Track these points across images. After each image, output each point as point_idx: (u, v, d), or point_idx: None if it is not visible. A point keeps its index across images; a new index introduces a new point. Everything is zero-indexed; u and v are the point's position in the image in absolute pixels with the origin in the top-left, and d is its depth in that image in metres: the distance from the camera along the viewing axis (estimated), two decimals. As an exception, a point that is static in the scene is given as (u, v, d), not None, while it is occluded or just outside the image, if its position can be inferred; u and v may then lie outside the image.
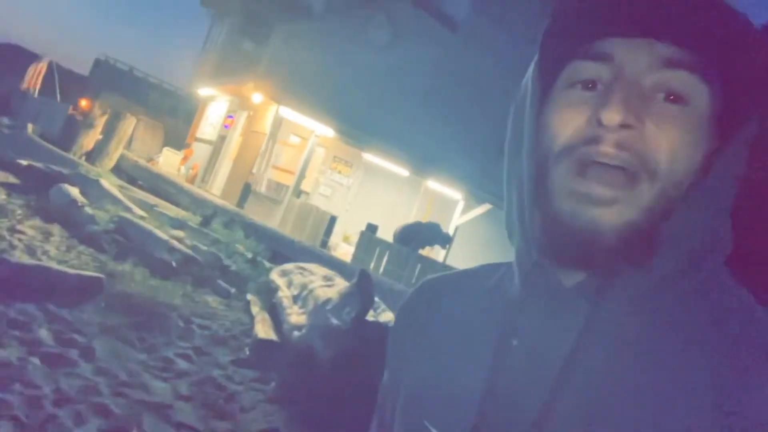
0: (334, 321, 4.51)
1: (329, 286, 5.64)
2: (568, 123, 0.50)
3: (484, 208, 15.30)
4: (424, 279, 0.68)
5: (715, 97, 0.48)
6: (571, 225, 0.48)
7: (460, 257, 14.48)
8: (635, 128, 0.47)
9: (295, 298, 5.80)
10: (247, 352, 4.85)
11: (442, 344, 0.59)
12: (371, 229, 10.42)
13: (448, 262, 13.74)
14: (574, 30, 0.51)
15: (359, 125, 13.15)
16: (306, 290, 5.72)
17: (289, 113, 12.80)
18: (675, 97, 0.48)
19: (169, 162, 16.17)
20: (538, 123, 0.53)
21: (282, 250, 8.36)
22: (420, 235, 10.04)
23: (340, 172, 15.28)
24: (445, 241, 10.88)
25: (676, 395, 0.44)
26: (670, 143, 0.47)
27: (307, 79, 12.30)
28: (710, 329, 0.46)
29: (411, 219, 13.54)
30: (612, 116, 0.47)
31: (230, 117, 16.33)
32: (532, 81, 0.54)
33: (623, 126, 0.47)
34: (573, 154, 0.49)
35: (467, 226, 14.75)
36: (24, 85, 20.61)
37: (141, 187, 11.00)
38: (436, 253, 13.83)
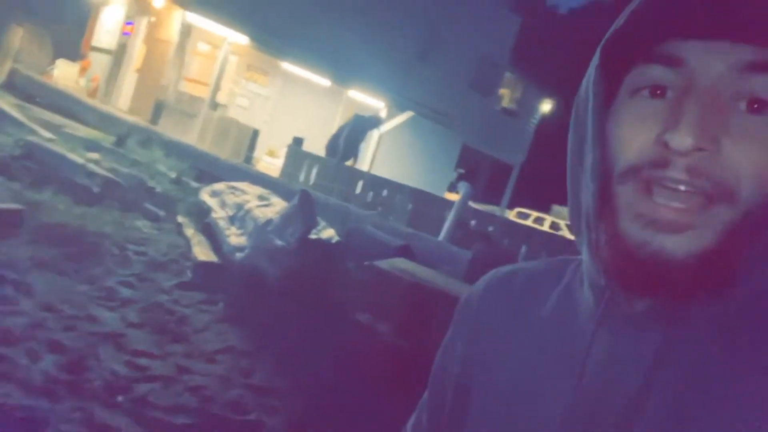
0: (279, 242, 4.58)
1: (266, 206, 5.63)
2: (633, 139, 0.46)
3: (407, 115, 15.38)
4: (495, 270, 0.65)
5: None
6: (638, 251, 0.45)
7: (387, 164, 14.68)
8: (710, 150, 0.43)
9: (231, 219, 5.77)
10: (190, 275, 4.85)
11: (519, 355, 0.56)
12: (297, 142, 10.28)
13: (375, 168, 13.90)
14: (641, 30, 0.47)
15: (275, 32, 12.52)
16: (242, 211, 5.69)
17: (197, 19, 11.93)
18: (759, 105, 0.43)
19: (65, 75, 14.78)
20: (602, 134, 0.49)
21: (207, 168, 8.14)
22: (350, 132, 9.94)
23: (256, 81, 14.66)
24: (376, 123, 10.82)
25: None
26: (752, 163, 0.43)
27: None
28: None
29: (332, 129, 13.43)
30: (681, 140, 0.42)
31: (129, 23, 14.97)
32: (593, 87, 0.49)
33: (696, 149, 0.43)
34: (638, 176, 0.45)
35: (391, 135, 14.84)
36: None
37: (40, 105, 10.10)
38: (362, 162, 13.91)
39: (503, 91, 20.80)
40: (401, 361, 3.67)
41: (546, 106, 21.78)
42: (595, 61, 0.50)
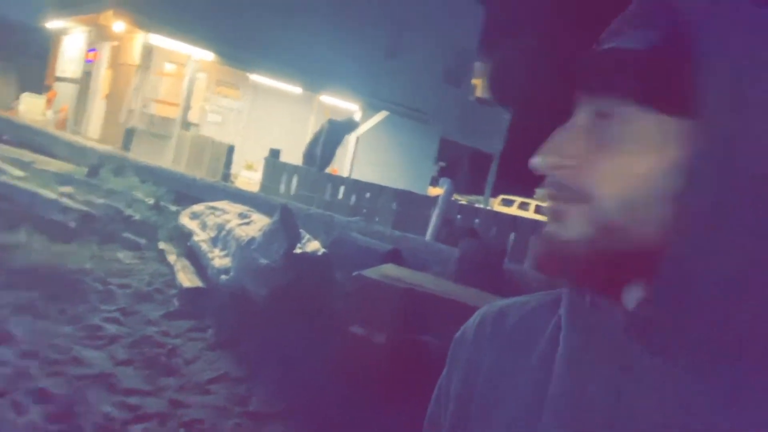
0: (263, 260, 4.49)
1: (248, 224, 5.54)
2: None
3: (382, 115, 15.32)
4: (488, 305, 0.65)
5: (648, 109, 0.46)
6: (540, 239, 0.52)
7: (367, 167, 14.62)
8: (572, 165, 0.48)
9: (213, 241, 5.66)
10: (176, 304, 4.75)
11: (513, 392, 0.56)
12: (274, 154, 10.17)
13: (355, 172, 13.83)
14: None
15: (241, 45, 12.40)
16: (224, 231, 5.59)
17: (160, 40, 11.76)
18: (601, 114, 0.48)
19: (31, 108, 14.52)
20: None
21: (185, 190, 8.01)
22: (326, 139, 9.84)
23: (227, 96, 14.50)
24: (352, 127, 10.77)
25: None
26: (602, 168, 0.47)
27: (176, 0, 11.26)
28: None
29: (308, 137, 13.31)
30: (534, 163, 0.50)
31: (92, 50, 14.75)
32: None
33: (552, 168, 0.49)
34: None
35: (368, 136, 14.77)
36: None
37: (8, 143, 9.88)
38: (341, 167, 13.84)
39: (476, 81, 20.84)
40: (400, 370, 3.60)
41: (519, 92, 21.82)
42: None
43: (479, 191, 22.71)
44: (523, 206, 20.75)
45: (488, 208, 17.18)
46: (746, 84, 0.42)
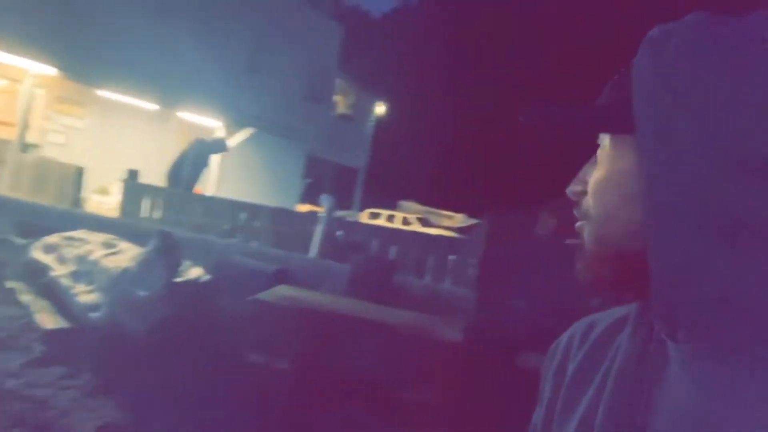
0: (141, 292, 4.12)
1: (115, 253, 5.06)
2: None
3: (247, 132, 14.92)
4: (583, 319, 0.69)
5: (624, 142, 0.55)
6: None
7: (233, 185, 14.12)
8: (579, 192, 0.59)
9: (75, 275, 5.09)
10: (39, 349, 4.18)
11: (588, 384, 0.61)
12: (133, 175, 9.43)
13: (223, 191, 13.28)
14: None
15: (87, 58, 11.37)
16: (87, 263, 5.05)
17: (-11, 52, 10.41)
18: (600, 146, 0.59)
19: None
20: None
21: (32, 220, 7.13)
22: (195, 159, 9.32)
23: (70, 114, 13.18)
24: (220, 147, 10.31)
25: None
26: (590, 190, 0.57)
27: (9, 6, 10.05)
28: None
29: (167, 156, 12.55)
30: (567, 192, 0.61)
31: None
32: None
33: (575, 194, 0.60)
34: None
35: (233, 154, 14.25)
36: None
37: None
38: (205, 186, 13.21)
39: (337, 98, 21.11)
40: (307, 394, 3.49)
41: (380, 108, 22.51)
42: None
43: (346, 206, 22.93)
44: (390, 218, 21.33)
45: (361, 221, 17.42)
46: (669, 106, 0.50)
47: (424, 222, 20.78)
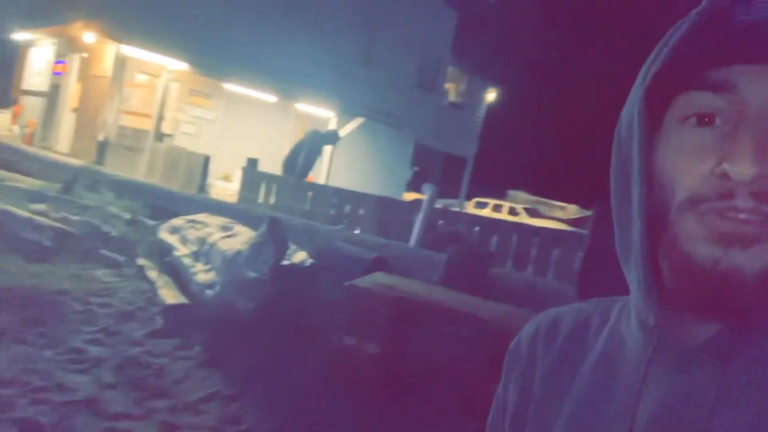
0: (251, 273, 4.42)
1: (231, 236, 5.45)
2: (689, 170, 0.46)
3: (357, 122, 15.30)
4: (543, 313, 0.65)
5: None
6: (710, 271, 0.44)
7: (343, 174, 14.56)
8: None
9: (195, 255, 5.55)
10: (160, 322, 4.63)
11: (570, 400, 0.56)
12: (252, 163, 10.06)
13: (332, 180, 13.77)
14: (687, 59, 0.46)
15: (214, 54, 12.25)
16: (206, 245, 5.48)
17: (132, 51, 11.55)
18: None
19: (-3, 124, 14.13)
20: (650, 162, 0.49)
21: (162, 203, 7.85)
22: (309, 148, 9.76)
23: (200, 106, 14.32)
24: (334, 138, 10.72)
25: None
26: None
27: (149, 10, 11.08)
28: None
29: (285, 145, 13.23)
30: (743, 171, 0.42)
31: (60, 62, 14.41)
32: (638, 122, 0.48)
33: (759, 177, 0.42)
34: (701, 207, 0.45)
35: (344, 143, 14.71)
36: None
37: (-26, 160, 9.58)
38: (317, 175, 13.76)
39: (448, 86, 20.97)
40: (395, 380, 3.57)
41: (491, 96, 22.07)
42: (638, 92, 0.49)
43: (453, 195, 22.82)
44: (497, 208, 20.94)
45: (463, 211, 17.26)
46: None
47: (533, 213, 20.16)
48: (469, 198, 22.08)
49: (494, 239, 6.99)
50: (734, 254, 0.43)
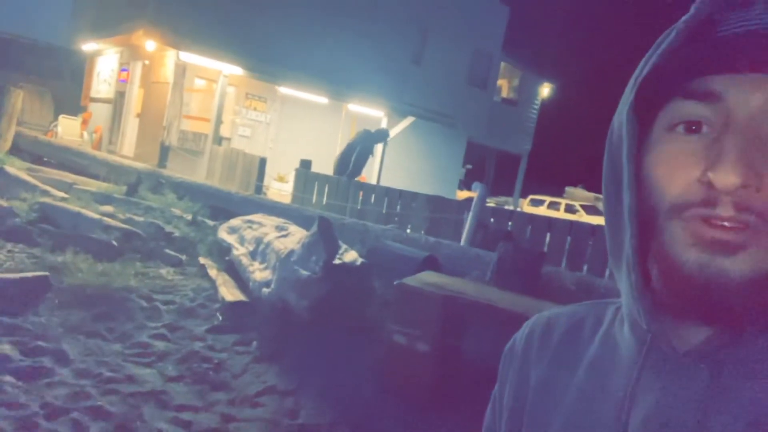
0: (304, 272, 4.54)
1: (286, 236, 5.61)
2: (674, 178, 0.47)
3: (408, 121, 15.34)
4: (537, 315, 0.66)
5: None
6: (697, 276, 0.44)
7: (394, 173, 14.63)
8: (754, 185, 0.43)
9: (252, 254, 5.75)
10: (220, 318, 4.83)
11: (563, 402, 0.57)
12: (305, 165, 10.28)
13: (384, 179, 13.87)
14: (676, 66, 0.47)
15: (269, 59, 12.58)
16: (262, 244, 5.67)
17: (190, 57, 12.01)
18: None
19: (69, 130, 14.98)
20: (639, 169, 0.50)
21: (221, 204, 8.15)
22: (361, 148, 9.88)
23: (256, 109, 14.72)
24: (384, 137, 10.82)
25: None
26: None
27: (205, 18, 11.50)
28: None
29: (337, 146, 13.42)
30: (726, 179, 0.43)
31: (124, 70, 15.15)
32: (626, 129, 0.50)
33: (742, 186, 0.43)
34: (687, 213, 0.46)
35: (395, 143, 14.81)
36: None
37: (48, 165, 10.22)
38: (369, 174, 13.89)
39: (501, 82, 20.71)
40: (444, 379, 3.60)
41: (545, 91, 21.66)
42: (628, 99, 0.50)
43: (507, 192, 22.50)
44: (553, 205, 20.50)
45: (518, 209, 17.01)
46: None
47: (592, 210, 19.60)
48: (524, 195, 21.73)
49: (547, 237, 6.89)
50: (720, 260, 0.44)
